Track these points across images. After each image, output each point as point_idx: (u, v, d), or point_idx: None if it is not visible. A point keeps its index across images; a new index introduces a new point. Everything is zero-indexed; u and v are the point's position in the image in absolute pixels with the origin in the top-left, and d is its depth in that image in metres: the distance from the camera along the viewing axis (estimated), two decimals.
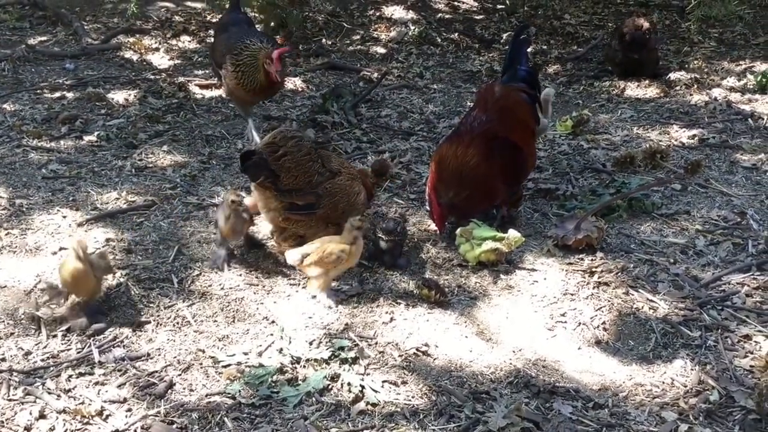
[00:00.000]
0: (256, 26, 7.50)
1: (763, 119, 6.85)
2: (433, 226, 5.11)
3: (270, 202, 4.55)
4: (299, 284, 4.50)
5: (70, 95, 7.21)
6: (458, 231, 4.85)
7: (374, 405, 3.61)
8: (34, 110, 6.86)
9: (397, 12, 9.80)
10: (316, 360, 3.85)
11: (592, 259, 4.80)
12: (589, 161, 6.15)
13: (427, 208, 5.07)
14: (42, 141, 6.27)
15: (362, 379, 3.74)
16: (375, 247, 4.74)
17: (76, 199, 5.38)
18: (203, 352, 3.93)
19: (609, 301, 4.43)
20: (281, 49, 5.78)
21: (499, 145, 4.91)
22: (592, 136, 6.63)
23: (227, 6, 7.02)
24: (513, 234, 4.69)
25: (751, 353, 4.02)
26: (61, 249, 4.75)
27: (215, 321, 4.19)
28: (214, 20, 9.36)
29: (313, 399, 3.63)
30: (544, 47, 8.88)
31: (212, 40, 7.09)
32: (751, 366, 3.92)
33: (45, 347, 3.94)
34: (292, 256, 4.36)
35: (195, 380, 3.76)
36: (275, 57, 5.63)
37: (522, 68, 5.32)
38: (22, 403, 3.56)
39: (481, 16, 9.95)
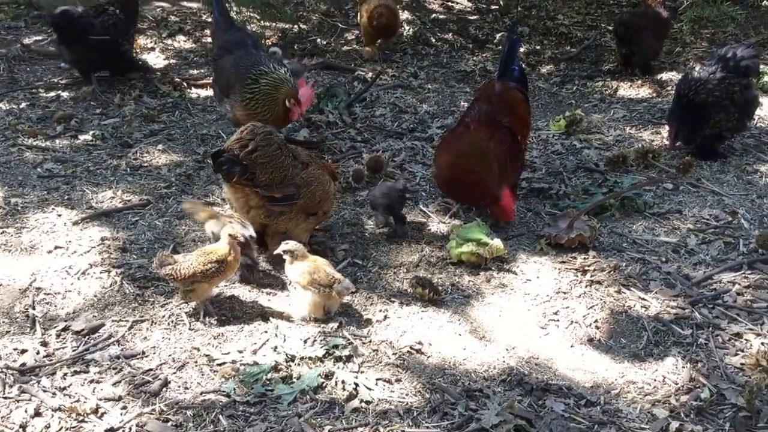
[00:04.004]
0: (248, 27, 7.46)
1: (754, 119, 6.88)
2: (428, 225, 5.16)
3: (250, 199, 4.51)
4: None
5: (65, 94, 7.22)
6: (450, 226, 4.91)
7: (368, 403, 3.63)
8: (30, 109, 6.87)
9: None
10: (310, 358, 3.87)
11: (584, 258, 4.83)
12: (581, 161, 6.18)
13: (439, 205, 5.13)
14: (37, 140, 6.29)
15: (356, 377, 3.76)
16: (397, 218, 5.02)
17: (72, 198, 5.39)
18: (198, 350, 3.95)
19: (601, 299, 4.46)
20: (309, 92, 5.42)
21: (503, 132, 5.08)
22: (585, 135, 6.67)
23: (215, 17, 6.35)
24: (497, 243, 4.72)
25: (742, 351, 4.06)
26: (56, 247, 4.77)
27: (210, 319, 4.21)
28: (209, 20, 9.37)
29: (308, 397, 3.65)
30: (538, 47, 8.91)
31: (214, 63, 6.32)
32: (741, 364, 3.96)
33: (40, 345, 3.95)
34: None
35: (190, 378, 3.77)
36: (305, 100, 5.23)
37: (516, 69, 5.46)
38: (18, 401, 3.57)
39: (475, 17, 9.97)
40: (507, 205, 4.95)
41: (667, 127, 6.68)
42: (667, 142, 6.34)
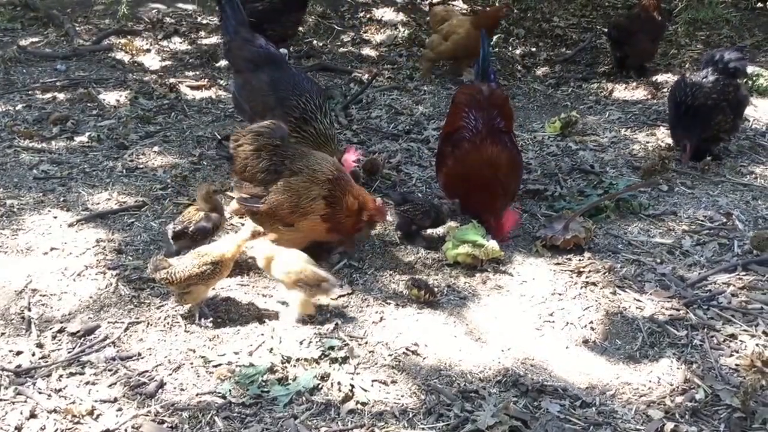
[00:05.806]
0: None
1: (749, 121, 6.90)
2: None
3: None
4: None
5: (61, 96, 7.21)
6: (446, 228, 4.92)
7: (364, 404, 3.63)
8: (26, 111, 6.87)
9: (387, 14, 9.83)
10: (306, 359, 3.88)
11: (580, 259, 4.84)
12: (577, 162, 6.20)
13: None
14: (33, 141, 6.28)
15: (352, 379, 3.76)
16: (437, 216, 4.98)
17: (67, 200, 5.38)
18: (194, 351, 3.95)
19: (596, 300, 4.47)
20: (352, 162, 5.33)
21: (505, 139, 5.14)
22: (581, 137, 6.68)
23: (232, 25, 6.02)
24: (492, 245, 4.72)
25: (737, 352, 4.07)
26: (52, 249, 4.77)
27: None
28: (204, 22, 9.37)
29: (303, 398, 3.66)
30: (533, 49, 8.93)
31: (239, 77, 5.92)
32: (736, 365, 3.97)
33: (36, 347, 3.95)
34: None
35: (186, 380, 3.77)
36: (346, 166, 5.13)
37: (491, 70, 5.55)
38: (13, 403, 3.57)
39: None
40: (507, 223, 4.95)
41: (663, 130, 6.71)
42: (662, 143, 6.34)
